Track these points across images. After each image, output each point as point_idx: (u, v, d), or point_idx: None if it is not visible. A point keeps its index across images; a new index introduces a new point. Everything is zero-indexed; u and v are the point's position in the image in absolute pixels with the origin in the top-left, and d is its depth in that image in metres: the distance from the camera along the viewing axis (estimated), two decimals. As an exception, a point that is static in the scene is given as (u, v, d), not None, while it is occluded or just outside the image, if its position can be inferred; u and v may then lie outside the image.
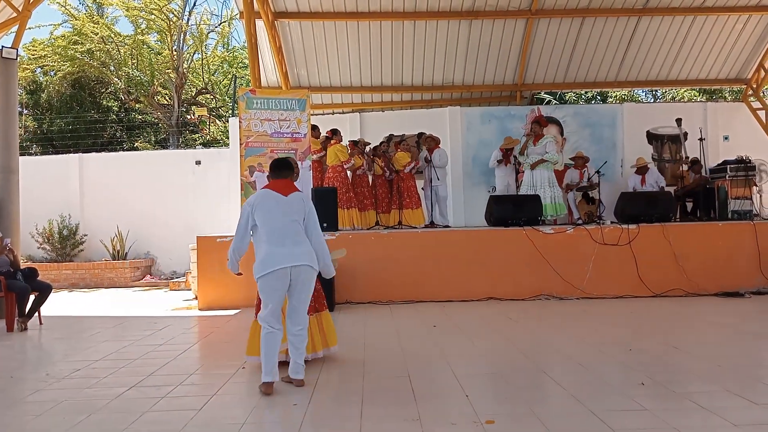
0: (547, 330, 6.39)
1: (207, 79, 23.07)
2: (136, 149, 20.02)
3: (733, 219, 9.28)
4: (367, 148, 10.74)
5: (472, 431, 3.33)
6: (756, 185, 9.87)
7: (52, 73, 21.32)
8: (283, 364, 4.47)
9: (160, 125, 22.13)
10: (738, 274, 8.51)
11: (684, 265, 8.43)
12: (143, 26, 21.46)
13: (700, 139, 10.87)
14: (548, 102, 19.14)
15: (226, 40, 23.88)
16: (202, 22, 22.34)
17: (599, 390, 4.10)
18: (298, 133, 9.45)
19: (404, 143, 11.14)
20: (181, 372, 4.88)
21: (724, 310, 7.40)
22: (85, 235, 13.48)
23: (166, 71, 21.33)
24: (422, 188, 10.64)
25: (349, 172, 10.12)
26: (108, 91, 22.44)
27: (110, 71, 21.27)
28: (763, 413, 3.51)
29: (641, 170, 10.64)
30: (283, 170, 4.52)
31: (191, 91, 22.74)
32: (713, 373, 4.45)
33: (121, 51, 21.35)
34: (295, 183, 4.54)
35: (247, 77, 21.32)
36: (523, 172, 9.91)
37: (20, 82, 18.56)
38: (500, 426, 3.41)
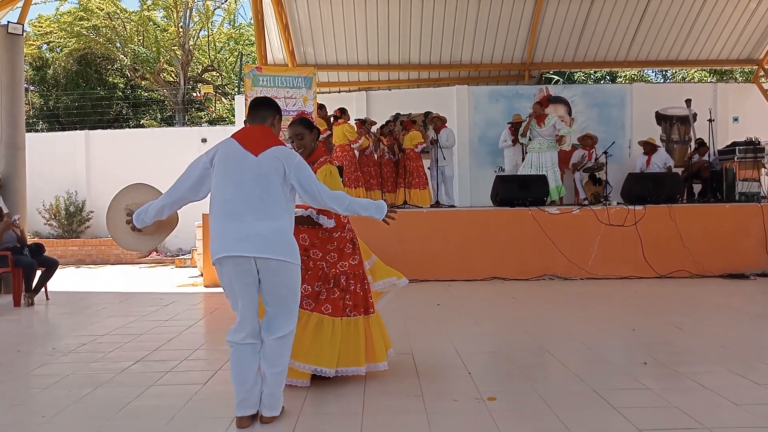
0: (551, 310, 6.39)
1: (213, 57, 22.96)
2: (142, 126, 20.03)
3: (740, 201, 9.23)
4: (373, 128, 10.70)
5: (474, 407, 3.35)
6: (765, 167, 9.79)
7: (58, 50, 21.27)
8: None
9: (166, 103, 22.09)
10: (744, 256, 8.48)
11: (690, 247, 8.40)
12: (149, 2, 21.35)
13: (710, 120, 10.76)
14: (556, 81, 18.97)
15: (232, 17, 23.78)
16: (208, -1, 22.20)
17: (602, 369, 4.11)
18: (305, 111, 9.40)
19: (416, 123, 11.10)
20: (186, 347, 4.92)
21: (729, 291, 7.39)
22: (92, 212, 13.55)
23: (172, 48, 21.23)
24: (428, 168, 10.61)
25: (356, 152, 10.09)
26: (114, 67, 22.39)
27: (116, 48, 21.19)
28: (766, 393, 3.51)
29: (648, 151, 10.52)
30: (261, 109, 3.25)
31: (197, 68, 22.66)
32: (717, 353, 4.45)
33: (127, 27, 21.26)
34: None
35: (253, 54, 21.20)
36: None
37: (26, 58, 18.54)
38: (502, 403, 3.42)
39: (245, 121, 3.40)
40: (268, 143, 3.13)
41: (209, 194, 3.16)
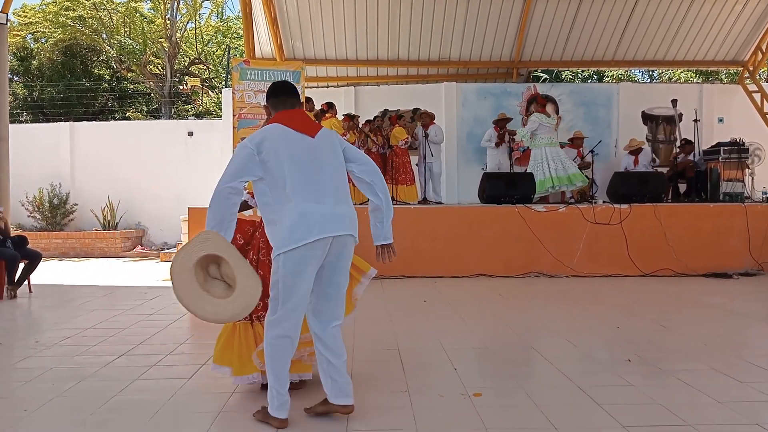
0: (536, 307, 6.43)
1: (200, 49, 22.82)
2: (128, 119, 19.86)
3: (724, 201, 9.32)
4: (360, 122, 10.68)
5: (460, 403, 3.36)
6: (749, 168, 9.89)
7: (43, 40, 21.03)
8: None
9: (153, 95, 21.92)
10: (727, 255, 8.56)
11: (674, 246, 8.47)
12: (136, -7, 21.16)
13: (695, 121, 10.86)
14: (544, 80, 19.05)
15: (220, 9, 23.59)
16: (196, -9, 22.03)
17: (587, 366, 4.14)
18: (292, 105, 9.38)
19: (402, 119, 11.09)
20: (170, 341, 4.89)
21: (712, 290, 7.46)
22: (76, 205, 13.41)
23: (159, 40, 21.07)
24: (416, 164, 10.61)
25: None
26: (100, 59, 22.18)
27: (102, 39, 20.99)
28: (747, 391, 3.55)
29: (634, 151, 10.63)
30: (290, 95, 3.19)
31: (184, 61, 22.50)
32: (699, 351, 4.50)
33: (114, 18, 21.06)
34: None
35: (241, 48, 21.07)
36: (516, 150, 9.97)
37: (10, 48, 18.30)
38: (487, 399, 3.44)
39: (265, 107, 3.29)
40: (316, 125, 3.18)
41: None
